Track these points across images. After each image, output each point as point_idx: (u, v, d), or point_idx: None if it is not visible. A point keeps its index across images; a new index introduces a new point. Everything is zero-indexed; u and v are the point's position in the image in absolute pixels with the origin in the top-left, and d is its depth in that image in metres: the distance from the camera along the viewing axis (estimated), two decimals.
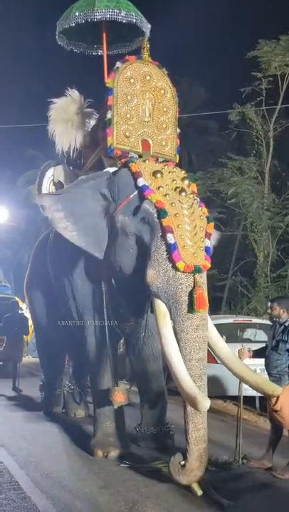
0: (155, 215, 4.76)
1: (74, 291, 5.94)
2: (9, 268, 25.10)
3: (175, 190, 4.89)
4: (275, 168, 14.00)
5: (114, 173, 5.29)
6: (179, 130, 5.89)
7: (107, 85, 5.52)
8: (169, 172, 5.09)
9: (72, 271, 5.90)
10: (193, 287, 4.54)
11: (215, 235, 5.76)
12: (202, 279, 4.66)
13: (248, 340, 8.06)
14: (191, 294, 4.54)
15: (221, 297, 14.87)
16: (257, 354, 5.51)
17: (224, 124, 14.87)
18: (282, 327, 5.28)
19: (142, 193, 4.89)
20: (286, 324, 5.27)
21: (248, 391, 6.72)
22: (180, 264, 4.55)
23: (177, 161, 5.84)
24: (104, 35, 6.82)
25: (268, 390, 4.80)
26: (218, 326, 8.43)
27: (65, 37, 7.25)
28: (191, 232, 4.70)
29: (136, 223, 4.91)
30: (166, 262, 4.62)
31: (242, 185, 12.60)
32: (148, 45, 5.82)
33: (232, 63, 19.02)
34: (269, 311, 5.51)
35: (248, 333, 8.67)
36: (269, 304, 5.62)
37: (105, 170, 5.53)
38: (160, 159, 5.65)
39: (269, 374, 5.31)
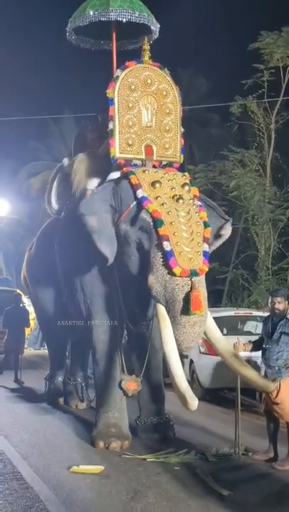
0: (152, 225, 5.01)
1: (83, 284, 6.05)
2: (11, 261, 25.08)
3: (173, 198, 5.12)
4: (277, 160, 13.96)
5: (117, 182, 5.44)
6: (182, 129, 5.89)
7: (107, 96, 5.57)
8: (169, 180, 5.27)
9: (82, 265, 5.99)
10: (190, 289, 4.75)
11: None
12: (199, 281, 4.85)
13: (249, 333, 8.07)
14: (187, 296, 4.75)
15: (222, 290, 14.86)
16: (254, 347, 5.47)
17: (226, 117, 14.81)
18: (285, 319, 5.21)
19: (140, 203, 5.13)
20: (288, 316, 5.23)
21: None
22: (176, 270, 4.80)
23: (182, 161, 5.91)
24: (113, 34, 6.72)
25: (262, 385, 5.05)
26: (219, 319, 8.44)
27: (73, 32, 7.17)
28: (188, 238, 4.93)
29: (135, 232, 5.17)
30: (163, 268, 4.88)
31: (243, 177, 12.56)
32: (148, 47, 5.78)
33: (234, 55, 18.97)
34: (272, 304, 5.28)
35: (249, 326, 8.68)
36: (271, 297, 5.38)
37: (109, 178, 5.66)
38: (164, 162, 5.74)
39: (268, 366, 5.24)
